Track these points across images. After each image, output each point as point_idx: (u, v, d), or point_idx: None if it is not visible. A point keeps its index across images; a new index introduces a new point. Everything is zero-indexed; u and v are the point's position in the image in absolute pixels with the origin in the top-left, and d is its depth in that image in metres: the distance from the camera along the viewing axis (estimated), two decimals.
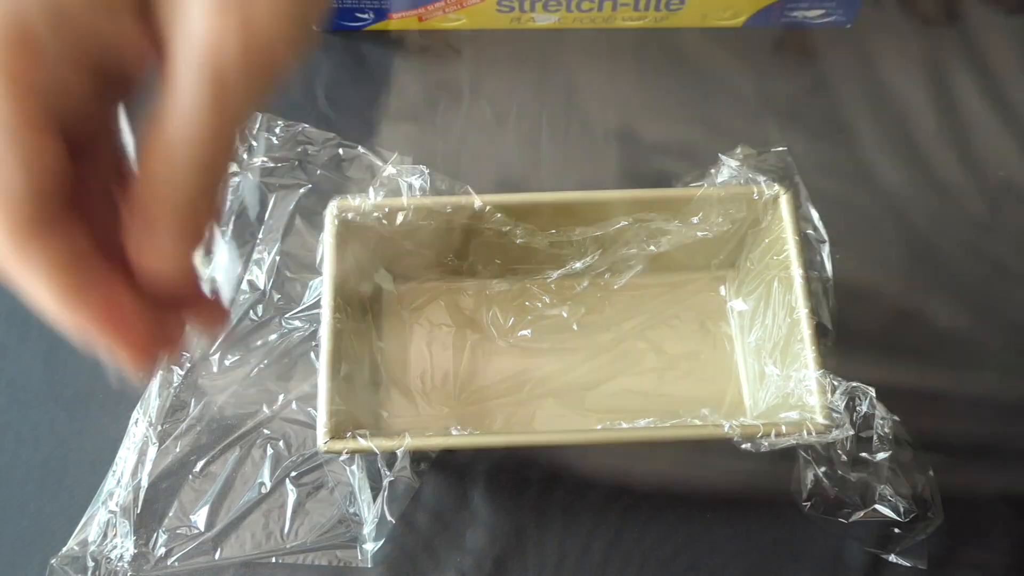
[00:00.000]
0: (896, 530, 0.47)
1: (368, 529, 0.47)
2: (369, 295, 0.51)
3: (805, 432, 0.43)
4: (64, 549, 0.47)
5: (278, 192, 0.55)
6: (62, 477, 0.49)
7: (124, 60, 0.21)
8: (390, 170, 0.48)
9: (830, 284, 0.50)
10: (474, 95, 0.59)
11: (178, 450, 0.50)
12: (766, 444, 0.44)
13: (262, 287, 0.53)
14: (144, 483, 0.49)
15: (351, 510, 0.48)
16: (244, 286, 0.53)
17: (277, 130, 0.57)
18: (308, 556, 0.48)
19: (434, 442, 0.45)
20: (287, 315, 0.52)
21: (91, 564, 0.47)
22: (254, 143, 0.56)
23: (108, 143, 0.23)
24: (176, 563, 0.47)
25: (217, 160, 0.21)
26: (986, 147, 0.58)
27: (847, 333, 0.49)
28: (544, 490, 0.49)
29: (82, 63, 0.20)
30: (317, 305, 0.48)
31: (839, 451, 0.45)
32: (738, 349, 0.52)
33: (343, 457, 0.45)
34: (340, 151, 0.56)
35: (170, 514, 0.48)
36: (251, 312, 0.52)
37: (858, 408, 0.44)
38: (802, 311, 0.45)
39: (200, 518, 0.48)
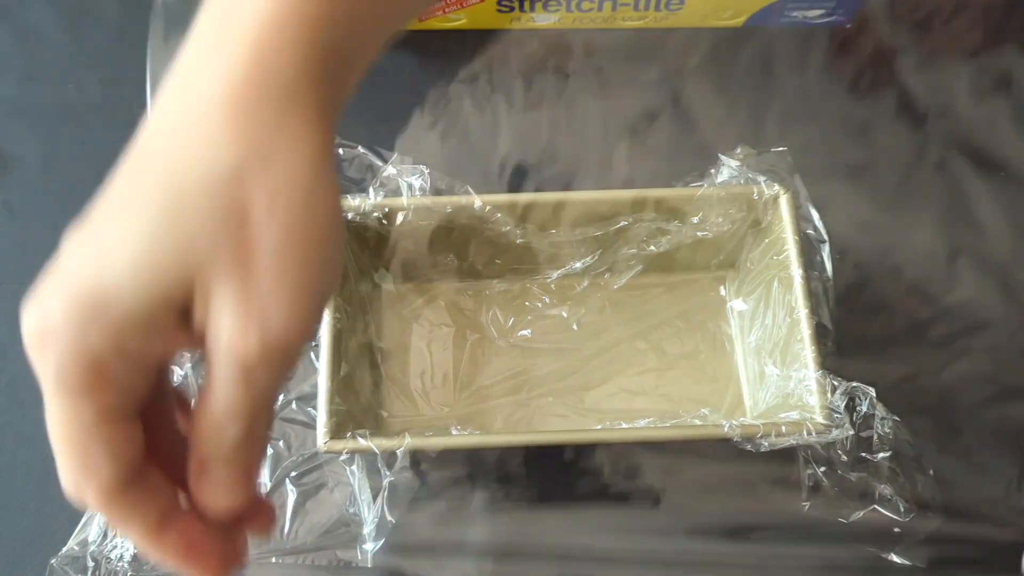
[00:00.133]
0: (896, 530, 0.47)
1: (368, 529, 0.47)
2: (369, 295, 0.51)
3: (805, 432, 0.43)
4: (64, 549, 0.47)
5: None
6: None
7: (174, 357, 0.26)
8: (390, 170, 0.48)
9: (830, 284, 0.50)
10: (474, 95, 0.59)
11: None
12: (766, 444, 0.44)
13: None
14: None
15: (351, 510, 0.48)
16: None
17: None
18: (308, 556, 0.48)
19: (434, 442, 0.45)
20: None
21: (91, 564, 0.47)
22: None
23: (169, 391, 0.28)
24: None
25: (254, 425, 0.25)
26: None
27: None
28: (544, 490, 0.49)
29: (142, 370, 0.25)
30: None
31: (839, 451, 0.45)
32: (738, 349, 0.52)
33: (343, 457, 0.45)
34: (340, 151, 0.56)
35: None
36: None
37: (858, 408, 0.44)
38: (802, 311, 0.45)
39: None
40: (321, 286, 0.25)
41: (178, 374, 0.51)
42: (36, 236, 0.56)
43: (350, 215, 0.47)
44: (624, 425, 0.46)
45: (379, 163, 0.55)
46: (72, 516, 0.48)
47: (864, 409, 0.44)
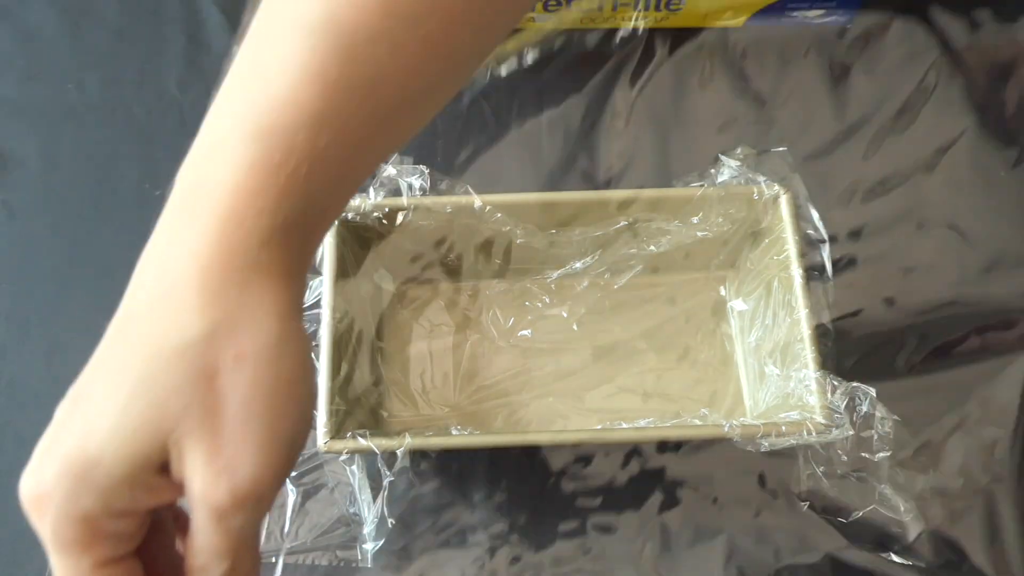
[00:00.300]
0: (896, 529, 0.47)
1: (368, 529, 0.47)
2: (369, 295, 0.51)
3: (805, 432, 0.43)
4: None
5: None
6: None
7: (160, 503, 0.27)
8: (390, 170, 0.48)
9: (830, 284, 0.50)
10: (474, 94, 0.59)
11: None
12: (766, 444, 0.44)
13: None
14: None
15: (351, 510, 0.48)
16: None
17: None
18: (308, 556, 0.48)
19: (434, 442, 0.45)
20: None
21: None
22: None
23: (167, 523, 0.30)
24: None
25: (237, 563, 0.27)
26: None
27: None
28: (544, 490, 0.49)
29: (133, 521, 0.27)
30: (317, 305, 0.48)
31: (839, 451, 0.45)
32: (738, 349, 0.52)
33: (343, 457, 0.45)
34: None
35: None
36: None
37: (858, 408, 0.44)
38: (802, 311, 0.45)
39: None
40: (290, 434, 0.27)
41: None
42: (36, 236, 0.56)
43: (350, 215, 0.47)
44: (624, 425, 0.46)
45: None
46: None
47: (864, 409, 0.44)
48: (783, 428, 0.43)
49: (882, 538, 0.48)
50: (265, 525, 0.48)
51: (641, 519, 0.49)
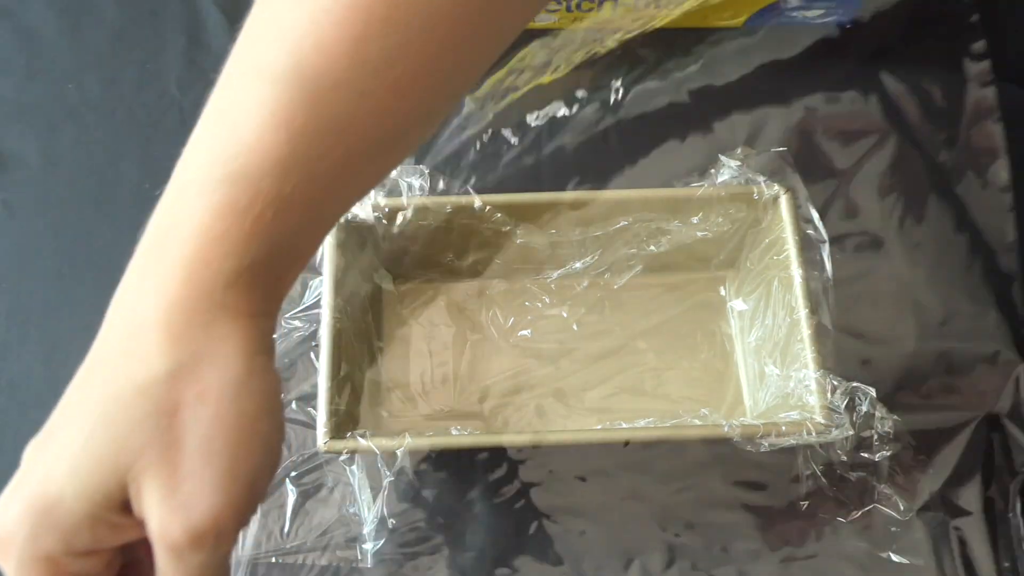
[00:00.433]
0: (895, 529, 0.47)
1: (368, 529, 0.47)
2: (369, 295, 0.51)
3: (805, 432, 0.43)
4: None
5: None
6: None
7: (124, 541, 0.28)
8: None
9: (830, 284, 0.50)
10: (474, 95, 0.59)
11: None
12: (766, 444, 0.44)
13: None
14: None
15: (351, 510, 0.48)
16: None
17: None
18: (308, 556, 0.48)
19: (434, 442, 0.45)
20: (287, 315, 0.52)
21: None
22: None
23: (141, 554, 0.29)
24: None
25: None
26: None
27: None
28: (544, 490, 0.49)
29: (98, 559, 0.27)
30: (317, 305, 0.48)
31: (839, 451, 0.45)
32: (738, 349, 0.52)
33: (343, 457, 0.45)
34: None
35: None
36: None
37: (858, 408, 0.44)
38: (802, 311, 0.45)
39: None
40: (252, 472, 0.27)
41: None
42: (36, 236, 0.56)
43: (350, 215, 0.47)
44: (624, 425, 0.46)
45: None
46: None
47: (864, 409, 0.44)
48: (783, 428, 0.43)
49: (882, 537, 0.48)
50: (253, 532, 0.48)
51: (640, 517, 0.49)
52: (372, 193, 0.47)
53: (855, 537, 0.48)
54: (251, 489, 0.27)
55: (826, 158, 0.57)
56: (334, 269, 0.46)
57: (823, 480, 0.47)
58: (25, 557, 0.26)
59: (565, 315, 0.53)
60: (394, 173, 0.48)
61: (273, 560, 0.48)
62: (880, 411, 0.44)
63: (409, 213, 0.47)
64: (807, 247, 0.48)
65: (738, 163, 0.49)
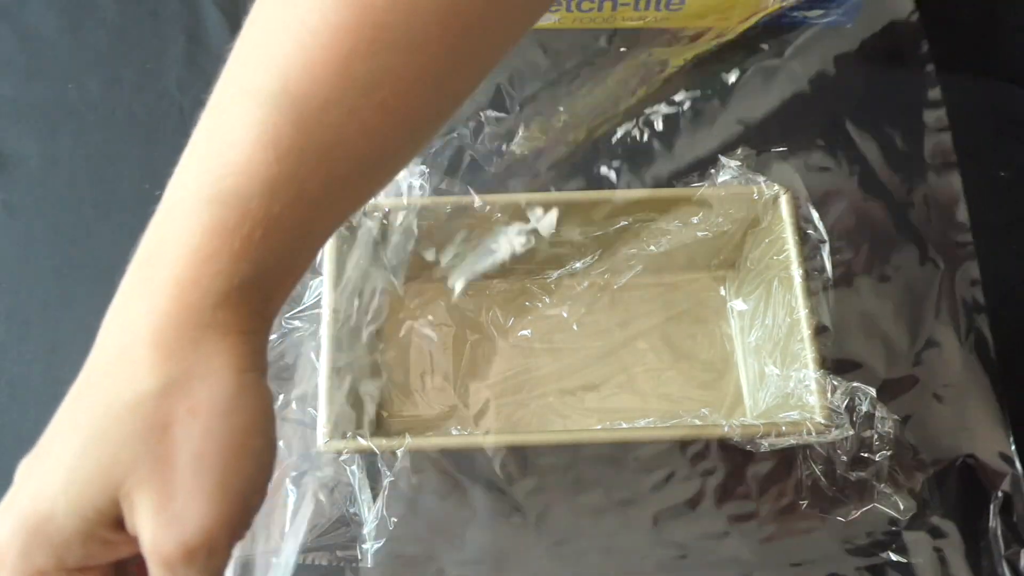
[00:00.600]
0: (895, 528, 0.47)
1: (368, 529, 0.47)
2: (369, 295, 0.51)
3: (805, 432, 0.43)
4: None
5: None
6: None
7: (116, 557, 0.28)
8: None
9: (830, 284, 0.50)
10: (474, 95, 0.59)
11: None
12: (766, 444, 0.44)
13: None
14: None
15: (351, 510, 0.48)
16: None
17: None
18: (308, 556, 0.48)
19: (434, 442, 0.45)
20: (287, 315, 0.52)
21: None
22: None
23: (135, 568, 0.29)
24: None
25: None
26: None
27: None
28: (544, 490, 0.49)
29: (87, 572, 0.27)
30: (317, 305, 0.48)
31: (839, 451, 0.45)
32: (738, 349, 0.52)
33: (343, 457, 0.45)
34: None
35: None
36: None
37: (858, 408, 0.44)
38: (802, 311, 0.45)
39: None
40: (244, 487, 0.27)
41: None
42: (36, 236, 0.56)
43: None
44: (624, 425, 0.46)
45: None
46: None
47: (864, 409, 0.44)
48: (783, 428, 0.43)
49: (882, 537, 0.48)
50: (253, 532, 0.48)
51: (640, 517, 0.49)
52: None
53: (855, 537, 0.48)
54: (243, 504, 0.27)
55: None
56: (334, 269, 0.46)
57: (823, 480, 0.47)
58: (17, 573, 0.27)
59: (565, 315, 0.53)
60: None
61: (273, 560, 0.48)
62: (880, 411, 0.44)
63: (409, 213, 0.47)
64: (807, 247, 0.48)
65: (738, 163, 0.49)
